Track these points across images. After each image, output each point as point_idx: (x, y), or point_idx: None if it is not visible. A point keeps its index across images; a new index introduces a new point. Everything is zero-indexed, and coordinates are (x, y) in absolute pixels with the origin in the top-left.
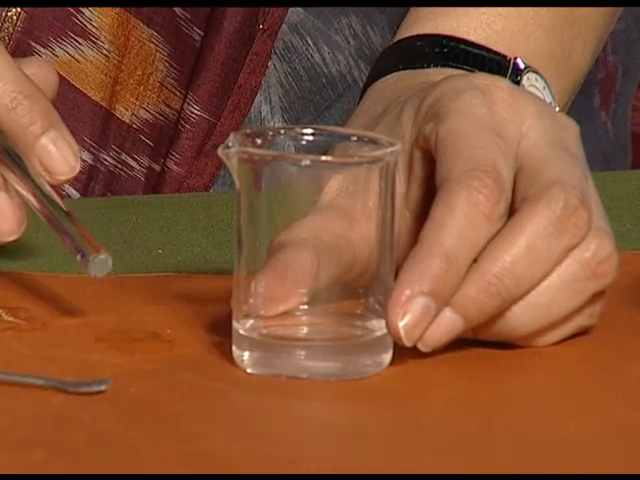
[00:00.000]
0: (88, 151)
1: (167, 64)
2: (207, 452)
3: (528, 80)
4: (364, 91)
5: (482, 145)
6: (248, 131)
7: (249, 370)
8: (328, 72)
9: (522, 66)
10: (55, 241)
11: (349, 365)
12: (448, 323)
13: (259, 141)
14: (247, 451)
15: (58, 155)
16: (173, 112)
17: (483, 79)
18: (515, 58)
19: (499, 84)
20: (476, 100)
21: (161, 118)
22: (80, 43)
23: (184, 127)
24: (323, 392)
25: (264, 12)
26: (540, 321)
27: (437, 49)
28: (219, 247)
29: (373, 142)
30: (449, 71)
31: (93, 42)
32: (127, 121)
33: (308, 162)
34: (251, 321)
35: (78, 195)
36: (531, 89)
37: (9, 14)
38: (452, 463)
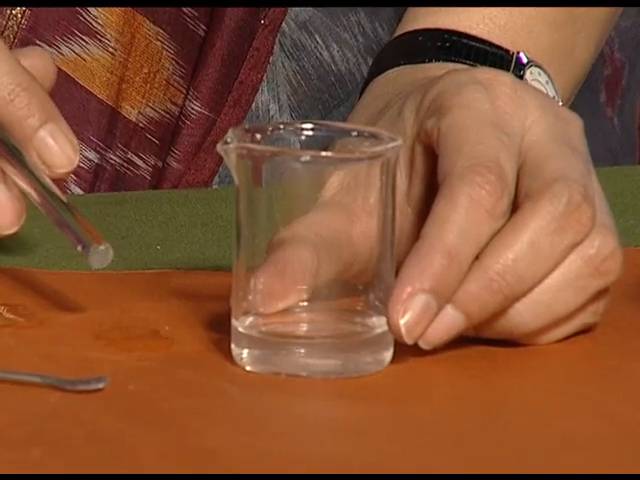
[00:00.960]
0: (94, 150)
1: (173, 62)
2: (207, 450)
3: (531, 74)
4: (365, 86)
5: (485, 140)
6: (247, 126)
7: (248, 368)
8: (337, 70)
9: (525, 60)
10: (53, 237)
11: (349, 363)
12: (450, 321)
13: (258, 136)
14: (246, 449)
15: (56, 148)
16: (178, 109)
17: (485, 73)
18: (518, 52)
19: (502, 78)
20: (479, 94)
21: (167, 116)
22: (86, 41)
23: (185, 123)
24: (323, 390)
25: (265, 7)
26: (543, 319)
27: (439, 43)
28: (218, 243)
29: (374, 137)
30: (451, 66)
31: (99, 40)
32: (133, 120)
33: (308, 158)
34: (250, 318)
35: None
36: (534, 83)
37: (14, 12)
38: (453, 462)
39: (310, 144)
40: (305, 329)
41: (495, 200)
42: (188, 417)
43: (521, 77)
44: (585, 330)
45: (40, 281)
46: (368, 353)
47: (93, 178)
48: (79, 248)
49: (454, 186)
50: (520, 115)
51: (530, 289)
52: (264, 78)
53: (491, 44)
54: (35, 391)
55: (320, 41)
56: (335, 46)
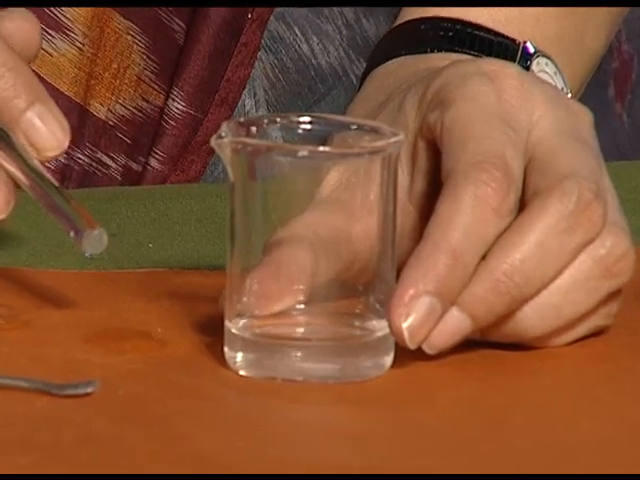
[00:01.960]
0: None
1: (145, 57)
2: (199, 454)
3: (538, 65)
4: (364, 78)
5: (490, 135)
6: (242, 120)
7: (242, 372)
8: (317, 64)
9: (532, 50)
10: (39, 234)
11: (348, 367)
12: (455, 324)
13: (254, 130)
14: (239, 452)
15: (44, 130)
16: (153, 108)
17: (491, 64)
18: (524, 42)
19: (508, 70)
20: (484, 87)
21: (139, 114)
22: (52, 36)
23: (168, 123)
24: (320, 395)
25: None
26: (552, 322)
27: (442, 33)
28: (213, 241)
29: (374, 132)
30: (454, 56)
31: (66, 35)
32: (103, 117)
33: (306, 153)
34: (244, 320)
35: None
36: (541, 75)
37: None
38: (459, 467)
39: (308, 138)
40: (302, 332)
41: (501, 198)
42: (180, 420)
43: (528, 68)
44: (596, 332)
45: (25, 280)
46: (368, 357)
47: (61, 178)
48: (71, 234)
49: (458, 184)
50: (527, 109)
51: (538, 291)
52: None
53: (496, 33)
54: (21, 395)
55: (299, 33)
56: (315, 39)
